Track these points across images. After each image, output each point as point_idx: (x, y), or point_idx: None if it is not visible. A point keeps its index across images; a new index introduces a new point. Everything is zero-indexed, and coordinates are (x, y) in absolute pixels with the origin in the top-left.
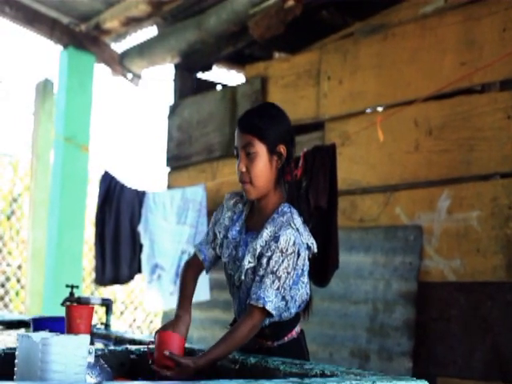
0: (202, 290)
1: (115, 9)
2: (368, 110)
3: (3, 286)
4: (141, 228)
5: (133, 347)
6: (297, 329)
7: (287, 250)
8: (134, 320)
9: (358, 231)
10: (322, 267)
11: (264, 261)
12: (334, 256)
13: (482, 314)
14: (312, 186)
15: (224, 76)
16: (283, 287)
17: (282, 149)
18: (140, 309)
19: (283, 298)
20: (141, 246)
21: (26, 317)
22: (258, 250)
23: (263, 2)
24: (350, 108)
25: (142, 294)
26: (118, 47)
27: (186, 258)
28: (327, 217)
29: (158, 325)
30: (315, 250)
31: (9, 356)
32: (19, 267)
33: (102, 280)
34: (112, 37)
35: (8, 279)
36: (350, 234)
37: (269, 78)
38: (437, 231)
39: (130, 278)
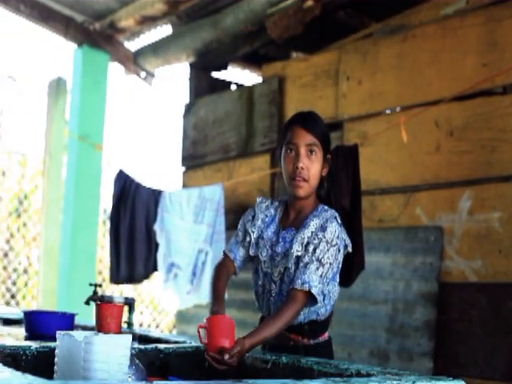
0: None
1: (130, 7)
2: (388, 111)
3: (15, 283)
4: (157, 227)
5: (162, 346)
6: (328, 332)
7: (332, 241)
8: (143, 319)
9: (378, 231)
10: (346, 268)
11: (310, 248)
12: (359, 257)
13: (504, 315)
14: (334, 187)
15: (238, 75)
16: (326, 276)
17: (328, 158)
18: (150, 308)
19: (322, 291)
20: (157, 245)
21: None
22: (306, 240)
23: (281, 1)
24: (370, 108)
25: (151, 293)
26: (132, 46)
27: (203, 256)
28: (350, 218)
29: (166, 324)
30: (350, 250)
31: (42, 355)
32: (30, 264)
33: (116, 278)
34: (126, 35)
35: (19, 277)
36: (370, 235)
37: (286, 78)
38: (458, 232)
39: (146, 276)
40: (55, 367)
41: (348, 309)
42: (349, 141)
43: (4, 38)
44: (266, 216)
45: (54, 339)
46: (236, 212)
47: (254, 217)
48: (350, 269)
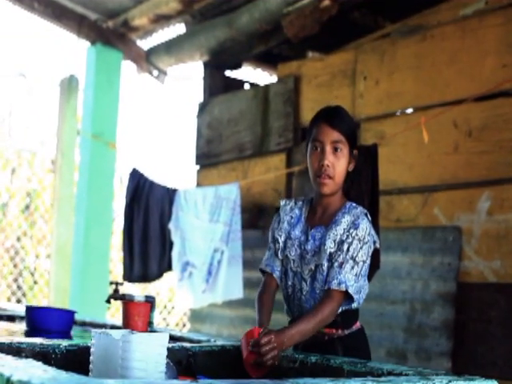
0: (236, 288)
1: (144, 6)
2: (406, 111)
3: (25, 282)
4: (171, 225)
5: (188, 345)
6: (359, 321)
7: (364, 238)
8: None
9: (395, 231)
10: None
11: (344, 247)
12: (375, 256)
13: None
14: (354, 186)
15: (251, 75)
16: (360, 274)
17: (355, 153)
18: (160, 307)
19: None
20: (171, 244)
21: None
22: (339, 237)
23: (298, 1)
24: (387, 108)
25: (160, 292)
26: (144, 44)
27: (218, 255)
28: None
29: (175, 323)
30: (378, 246)
31: (71, 353)
32: (39, 263)
33: (130, 277)
34: (139, 34)
35: (32, 275)
36: (387, 234)
37: (302, 77)
38: (476, 232)
39: (160, 275)
40: (90, 366)
41: (365, 308)
42: (366, 141)
43: (17, 36)
44: (292, 217)
45: (53, 334)
46: (251, 211)
47: (279, 221)
48: None
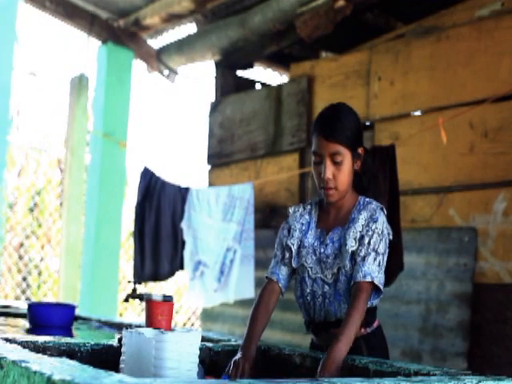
0: (247, 288)
1: (156, 5)
2: (420, 112)
3: (35, 280)
4: (183, 224)
5: (210, 344)
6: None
7: (383, 231)
8: None
9: (410, 232)
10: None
11: (365, 241)
12: (398, 258)
13: None
14: (371, 187)
15: (262, 74)
16: (382, 265)
17: (361, 150)
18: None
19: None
20: (183, 243)
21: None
22: (358, 234)
23: (312, 1)
24: (402, 109)
25: (166, 292)
26: (154, 43)
27: (231, 255)
28: (388, 219)
29: (182, 322)
30: (391, 238)
31: (96, 351)
32: (41, 260)
33: (141, 276)
34: (149, 33)
35: (40, 273)
36: (402, 234)
37: (315, 78)
38: (492, 233)
39: (171, 274)
40: (121, 365)
41: (380, 308)
42: (380, 141)
43: (27, 34)
44: (303, 224)
45: (53, 330)
46: (263, 211)
47: (289, 230)
48: (388, 269)
